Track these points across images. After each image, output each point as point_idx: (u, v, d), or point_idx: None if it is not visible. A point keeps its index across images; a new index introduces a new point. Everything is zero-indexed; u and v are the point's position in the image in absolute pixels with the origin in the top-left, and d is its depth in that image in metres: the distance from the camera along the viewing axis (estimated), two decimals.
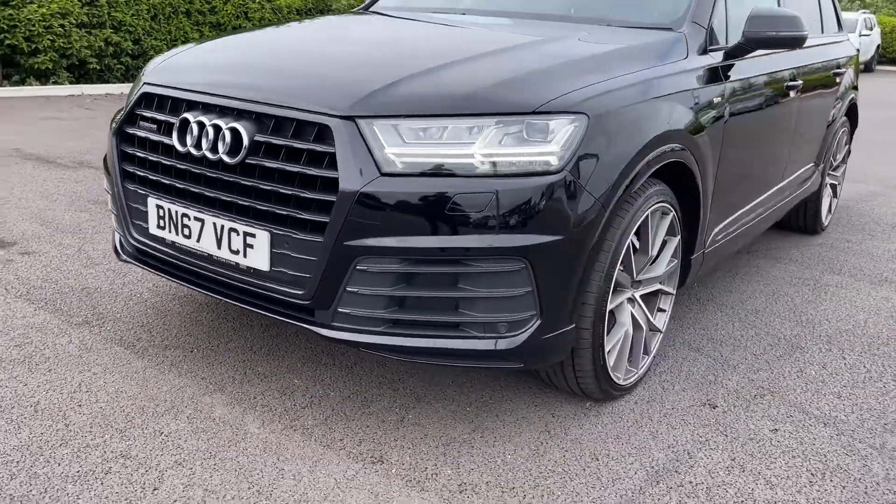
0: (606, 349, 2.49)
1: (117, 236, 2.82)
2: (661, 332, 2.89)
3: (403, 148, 2.11)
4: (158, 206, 2.48)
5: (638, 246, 2.59)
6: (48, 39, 9.51)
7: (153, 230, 2.53)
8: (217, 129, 2.27)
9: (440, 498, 2.12)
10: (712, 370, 2.96)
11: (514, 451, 2.36)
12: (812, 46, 4.03)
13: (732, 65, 3.06)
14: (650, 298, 2.85)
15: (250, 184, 2.23)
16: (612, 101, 2.32)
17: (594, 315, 2.37)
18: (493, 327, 2.19)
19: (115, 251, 2.82)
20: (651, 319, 2.78)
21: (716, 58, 2.98)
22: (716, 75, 2.92)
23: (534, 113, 2.15)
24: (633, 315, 2.68)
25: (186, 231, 2.41)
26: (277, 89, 2.30)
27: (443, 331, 2.19)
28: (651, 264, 2.73)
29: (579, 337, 2.38)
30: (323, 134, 2.14)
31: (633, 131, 2.36)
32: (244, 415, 2.45)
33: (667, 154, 2.53)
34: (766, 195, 3.75)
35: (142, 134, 2.54)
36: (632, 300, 2.69)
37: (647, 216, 2.52)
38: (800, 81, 3.73)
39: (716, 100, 2.88)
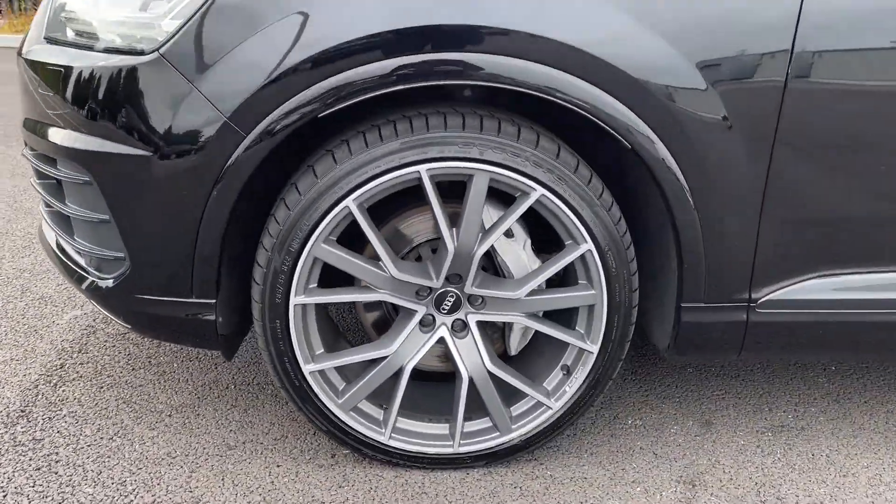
0: (309, 368, 1.58)
1: None
2: (549, 407, 1.65)
3: (86, 14, 1.67)
4: None
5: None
6: None
7: None
8: None
9: (28, 436, 1.77)
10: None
11: (163, 435, 1.75)
12: None
13: None
14: (552, 348, 1.68)
15: None
16: None
17: (263, 303, 1.52)
18: (84, 259, 1.63)
19: None
20: (495, 368, 1.62)
21: None
22: None
23: None
24: (454, 349, 1.61)
25: None
26: None
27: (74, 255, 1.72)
28: (490, 273, 1.60)
29: (261, 331, 1.57)
30: None
31: (335, 14, 1.37)
32: (63, 313, 2.34)
33: (482, 76, 1.40)
34: None
35: None
36: (463, 324, 1.62)
37: (426, 179, 1.45)
38: None
39: None
